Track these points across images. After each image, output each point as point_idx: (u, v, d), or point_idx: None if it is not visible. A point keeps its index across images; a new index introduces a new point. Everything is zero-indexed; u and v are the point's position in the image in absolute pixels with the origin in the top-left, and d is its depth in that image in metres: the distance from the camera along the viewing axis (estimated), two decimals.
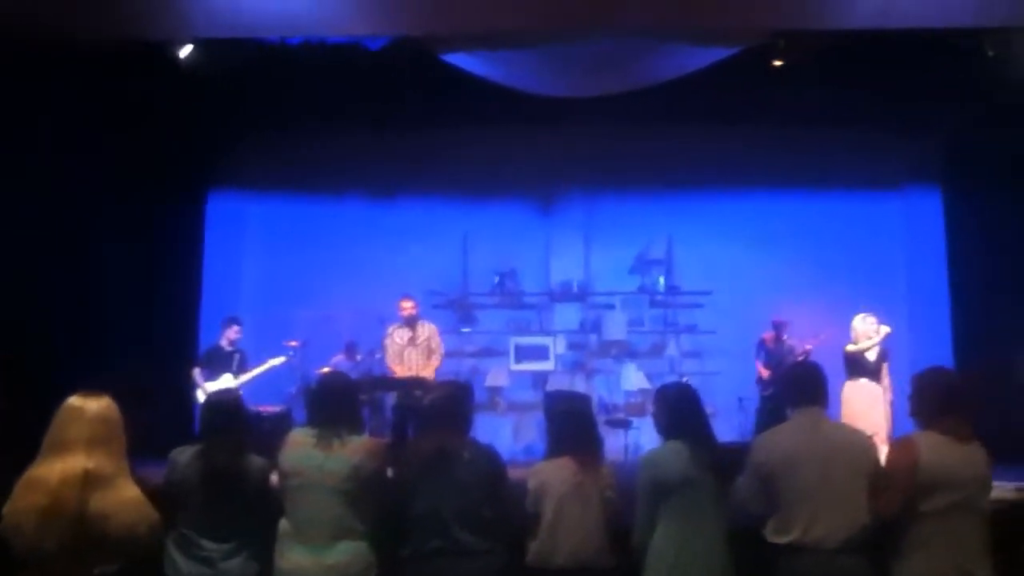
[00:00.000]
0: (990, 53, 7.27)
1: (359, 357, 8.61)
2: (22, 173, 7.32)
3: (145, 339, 8.29)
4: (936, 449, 3.29)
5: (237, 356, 8.05)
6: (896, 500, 3.27)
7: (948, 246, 9.50)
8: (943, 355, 8.77)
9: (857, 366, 7.23)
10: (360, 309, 8.69)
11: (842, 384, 7.16)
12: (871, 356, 7.24)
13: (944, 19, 6.38)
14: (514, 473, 3.82)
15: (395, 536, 3.52)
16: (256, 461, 3.64)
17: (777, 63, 7.69)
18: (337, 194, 10.10)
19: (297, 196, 10.17)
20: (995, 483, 3.50)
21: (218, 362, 8.04)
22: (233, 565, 3.50)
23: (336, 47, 7.65)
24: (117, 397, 3.20)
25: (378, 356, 8.28)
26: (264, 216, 10.21)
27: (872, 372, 7.22)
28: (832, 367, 5.58)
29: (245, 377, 7.98)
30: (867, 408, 6.99)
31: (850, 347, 7.28)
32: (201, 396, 7.83)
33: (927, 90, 8.27)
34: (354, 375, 7.94)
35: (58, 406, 3.09)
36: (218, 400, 3.84)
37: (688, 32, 6.95)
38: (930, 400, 3.43)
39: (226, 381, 7.82)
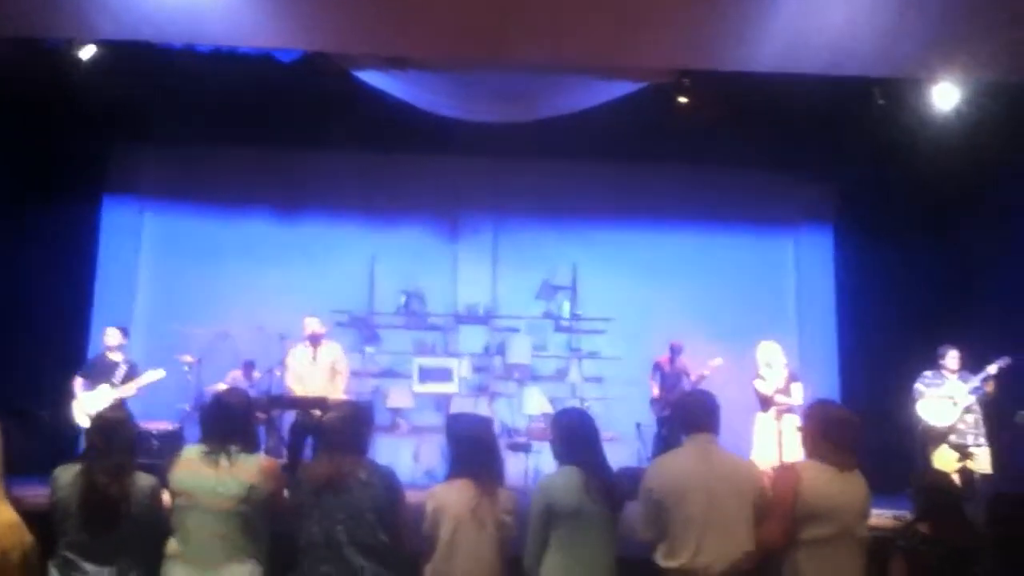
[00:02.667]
0: (881, 101, 7.71)
1: (257, 375, 8.41)
2: None
3: (30, 351, 7.89)
4: (817, 478, 3.42)
5: (123, 367, 7.57)
6: (777, 527, 3.38)
7: (837, 283, 9.98)
8: (830, 387, 9.19)
9: (762, 396, 7.35)
10: (261, 327, 8.47)
11: (752, 415, 7.33)
12: (773, 385, 7.32)
13: (839, 67, 6.73)
14: (414, 496, 3.79)
15: (286, 560, 3.44)
16: (143, 480, 3.51)
17: (682, 100, 7.97)
18: (241, 209, 9.89)
19: (199, 208, 9.92)
20: (875, 511, 3.66)
21: (100, 372, 7.57)
22: None
23: (246, 58, 7.54)
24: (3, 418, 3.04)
25: (278, 374, 8.10)
26: (163, 227, 9.90)
27: (774, 401, 7.31)
28: (731, 393, 5.77)
29: (124, 389, 7.47)
30: (772, 436, 7.13)
31: (757, 382, 7.35)
32: (76, 407, 7.42)
33: (822, 134, 8.72)
34: (252, 393, 7.76)
35: None
36: (105, 418, 3.68)
37: (590, 67, 7.12)
38: (814, 431, 3.57)
39: (104, 392, 7.39)
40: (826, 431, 3.52)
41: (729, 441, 3.74)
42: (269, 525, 3.50)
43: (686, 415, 3.71)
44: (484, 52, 6.65)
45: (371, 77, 7.44)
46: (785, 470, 3.69)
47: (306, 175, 9.83)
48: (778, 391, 7.21)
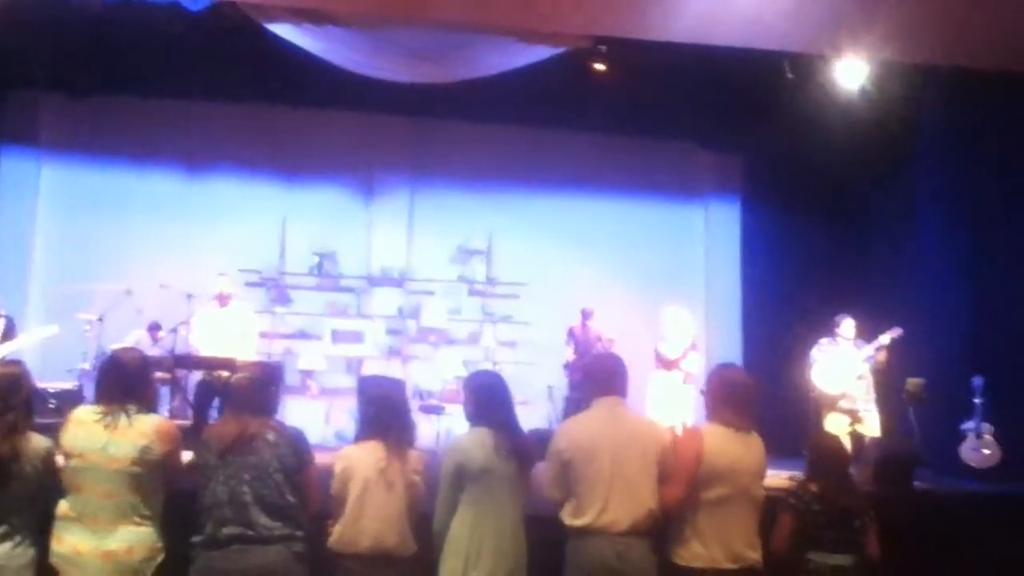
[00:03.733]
0: (790, 75, 7.91)
1: (162, 334, 8.17)
2: None
3: None
4: (718, 440, 3.56)
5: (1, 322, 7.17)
6: (680, 488, 3.50)
7: (743, 253, 10.28)
8: (733, 353, 9.50)
9: (662, 358, 7.58)
10: (166, 285, 8.21)
11: (648, 375, 7.54)
12: (676, 350, 7.57)
13: (751, 41, 6.89)
14: (324, 457, 3.78)
15: (188, 520, 3.39)
16: (37, 442, 3.40)
17: (598, 67, 8.01)
18: (146, 162, 9.53)
19: (101, 161, 9.51)
20: (771, 472, 3.82)
21: None
22: (3, 551, 3.27)
23: (153, 7, 7.22)
24: None
25: (184, 334, 7.88)
26: (62, 180, 9.46)
27: (676, 365, 7.56)
28: (638, 358, 5.92)
29: (5, 348, 7.01)
30: (668, 399, 7.37)
31: (660, 344, 7.60)
32: None
33: (734, 106, 8.91)
34: (157, 353, 7.55)
35: None
36: None
37: (508, 30, 7.09)
38: (715, 394, 3.70)
39: None
40: (726, 394, 3.66)
41: (635, 402, 3.84)
42: (164, 486, 3.44)
43: (594, 378, 3.80)
44: (402, 10, 6.55)
45: (284, 31, 7.23)
46: (689, 433, 3.83)
47: (216, 129, 9.54)
48: (679, 356, 7.43)
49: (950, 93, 7.69)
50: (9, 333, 7.11)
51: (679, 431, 5.81)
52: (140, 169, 9.52)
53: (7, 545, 3.29)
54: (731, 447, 3.56)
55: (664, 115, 9.14)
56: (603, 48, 7.77)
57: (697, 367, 7.63)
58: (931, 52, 7.08)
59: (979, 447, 7.32)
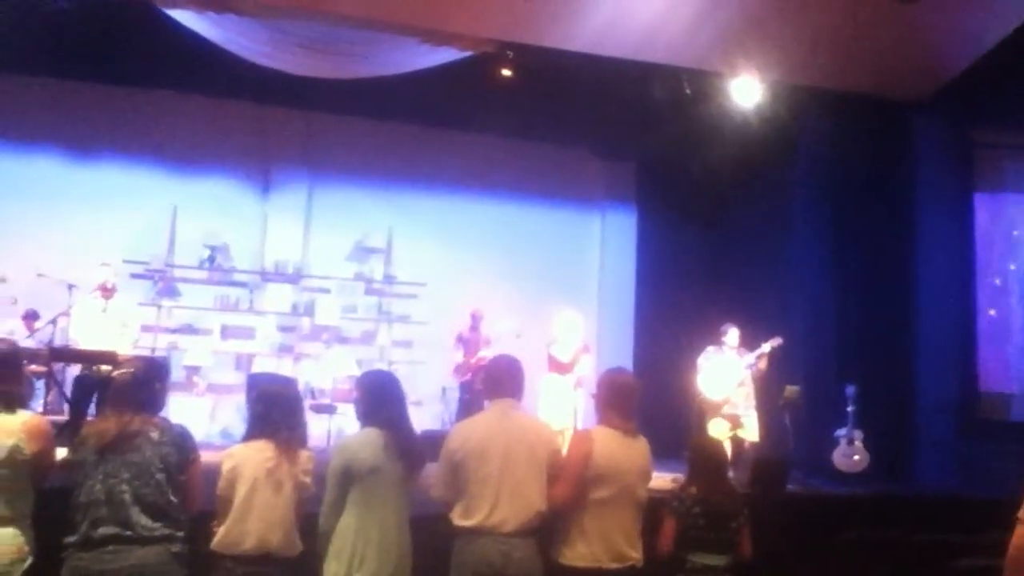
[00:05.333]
0: (688, 91, 8.18)
1: (39, 325, 7.78)
2: None
3: None
4: (607, 442, 3.65)
5: None
6: (569, 489, 3.58)
7: (637, 260, 10.56)
8: (625, 357, 9.74)
9: (555, 362, 7.67)
10: (46, 274, 7.82)
11: (540, 378, 7.63)
12: (568, 353, 7.67)
13: (648, 54, 7.11)
14: (209, 456, 3.68)
15: (62, 521, 3.25)
16: None
17: (505, 73, 8.09)
18: (25, 144, 9.08)
19: None
20: (656, 474, 3.95)
21: None
22: None
23: None
24: None
25: (62, 325, 7.53)
26: None
27: (568, 368, 7.67)
28: (532, 361, 5.99)
29: None
30: (559, 402, 7.48)
31: (552, 347, 7.69)
32: None
33: (632, 117, 9.14)
34: (32, 344, 7.20)
35: None
36: None
37: (413, 30, 7.09)
38: (605, 397, 3.80)
39: None
40: (615, 398, 3.76)
41: (527, 404, 3.90)
42: (33, 485, 3.31)
43: (490, 380, 3.84)
44: (304, 2, 6.46)
45: (183, 16, 7.01)
46: (579, 434, 3.91)
47: (104, 112, 9.17)
48: (571, 360, 7.55)
49: (825, 113, 8.13)
50: None
51: (569, 434, 5.94)
52: (20, 151, 9.06)
53: None
54: (618, 449, 3.65)
55: (562, 122, 9.32)
56: (510, 54, 7.85)
57: (589, 370, 7.77)
58: (811, 74, 7.48)
59: (850, 453, 7.74)
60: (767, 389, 7.49)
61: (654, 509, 3.95)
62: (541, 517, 3.54)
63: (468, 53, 7.52)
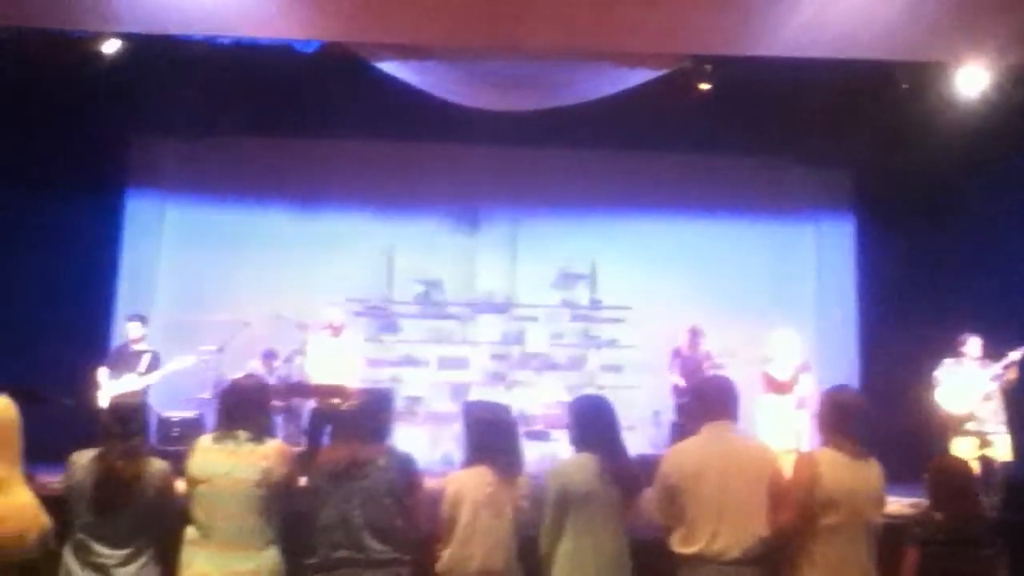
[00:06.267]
0: (904, 85, 7.63)
1: (276, 364, 8.48)
2: None
3: (56, 342, 7.96)
4: (834, 465, 3.42)
5: (147, 356, 7.60)
6: (794, 514, 3.38)
7: (857, 270, 9.91)
8: (849, 375, 9.13)
9: (772, 382, 7.39)
10: (280, 316, 8.54)
11: (755, 399, 7.35)
12: (786, 372, 7.38)
13: (858, 51, 6.67)
14: (431, 482, 3.82)
15: (303, 544, 3.48)
16: (156, 465, 3.56)
17: (703, 87, 7.92)
18: (260, 199, 9.93)
19: (218, 199, 9.97)
20: (892, 499, 3.66)
21: (124, 362, 7.61)
22: (128, 572, 3.42)
23: (266, 49, 7.57)
24: (19, 399, 3.09)
25: (297, 363, 8.16)
26: (183, 218, 9.96)
27: (786, 388, 7.36)
28: (748, 382, 5.77)
29: (151, 377, 7.48)
30: (779, 424, 7.17)
31: (769, 367, 7.42)
32: (102, 396, 7.51)
33: (843, 119, 8.63)
34: (271, 382, 7.83)
35: None
36: (118, 403, 3.74)
37: (607, 54, 7.09)
38: (829, 418, 3.57)
39: (130, 381, 7.39)
40: (840, 418, 3.53)
41: (744, 427, 3.74)
42: (284, 511, 3.54)
43: (704, 402, 3.71)
44: (499, 39, 6.64)
45: (388, 66, 7.45)
46: (803, 458, 3.70)
47: (325, 165, 9.85)
48: (789, 379, 7.23)
49: None
50: (153, 367, 7.57)
51: (792, 457, 5.64)
52: (255, 205, 9.93)
53: (134, 566, 3.43)
54: (847, 473, 3.42)
55: (764, 133, 8.93)
56: (707, 68, 7.68)
57: (810, 390, 7.38)
58: None
59: None
60: (1017, 403, 6.76)
61: (891, 537, 3.64)
62: (764, 544, 3.37)
63: (664, 71, 7.44)
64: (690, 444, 3.64)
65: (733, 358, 8.16)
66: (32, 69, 7.29)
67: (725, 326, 9.04)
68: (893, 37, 6.44)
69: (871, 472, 3.49)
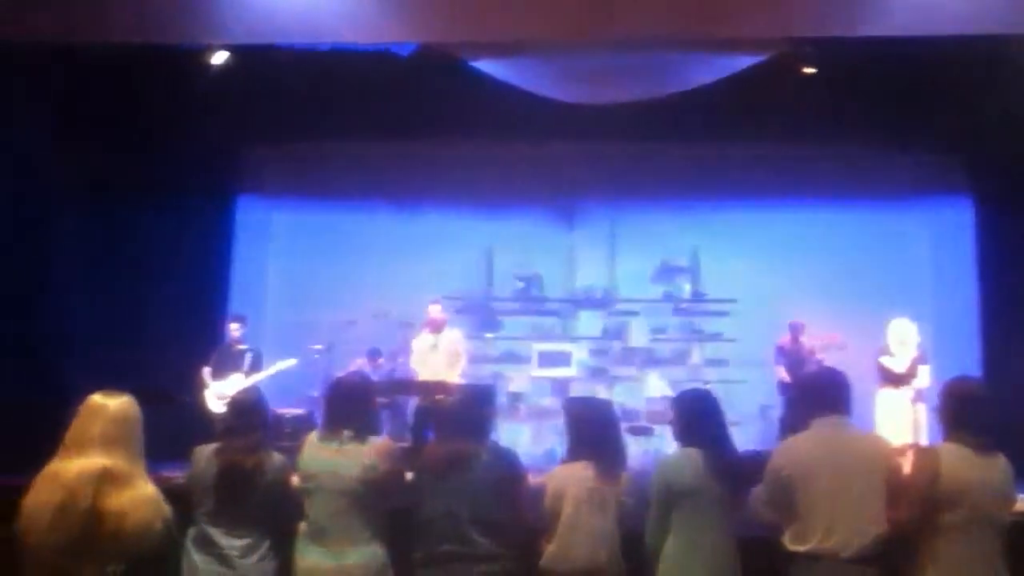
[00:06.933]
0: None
1: (381, 361, 8.67)
2: (61, 176, 7.50)
3: (171, 343, 8.34)
4: (957, 461, 3.25)
5: (249, 355, 7.95)
6: (914, 511, 3.23)
7: (978, 258, 9.40)
8: (971, 366, 8.66)
9: (889, 374, 7.14)
10: (384, 314, 8.73)
11: (874, 392, 7.11)
12: (903, 364, 7.12)
13: (979, 26, 6.29)
14: (532, 478, 3.83)
15: (408, 538, 3.54)
16: (275, 459, 3.67)
17: (807, 71, 7.65)
18: (363, 202, 10.15)
19: (324, 203, 10.24)
20: (1022, 496, 3.45)
21: (228, 361, 7.96)
22: (249, 562, 3.53)
23: (365, 55, 7.73)
24: (140, 397, 3.23)
25: (401, 360, 8.32)
26: (291, 223, 10.29)
27: (904, 380, 7.11)
28: (859, 374, 5.55)
29: (255, 377, 7.79)
30: (897, 417, 6.91)
31: (883, 358, 7.19)
32: (208, 395, 7.85)
33: (958, 99, 8.19)
34: (376, 379, 8.00)
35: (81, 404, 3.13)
36: (240, 398, 3.87)
37: (705, 41, 6.92)
38: (952, 411, 3.39)
39: (236, 381, 7.72)
40: (961, 410, 3.35)
41: (861, 421, 3.60)
42: (389, 505, 3.60)
43: (814, 395, 3.59)
44: (595, 31, 6.57)
45: (485, 65, 7.49)
46: (923, 452, 3.53)
47: (424, 166, 9.98)
48: (907, 371, 6.95)
49: None
50: (256, 365, 7.88)
51: (911, 450, 5.40)
52: (357, 207, 10.17)
53: (253, 557, 3.54)
54: (970, 468, 3.24)
55: (872, 118, 8.51)
56: (809, 50, 7.41)
57: (928, 382, 7.07)
58: None
59: None
60: None
61: (1020, 536, 3.43)
62: (882, 541, 3.23)
63: (763, 56, 7.22)
64: (802, 438, 3.52)
65: (841, 351, 7.90)
66: (144, 83, 7.65)
67: (835, 318, 8.75)
68: (1009, 11, 6.06)
69: (996, 467, 3.30)
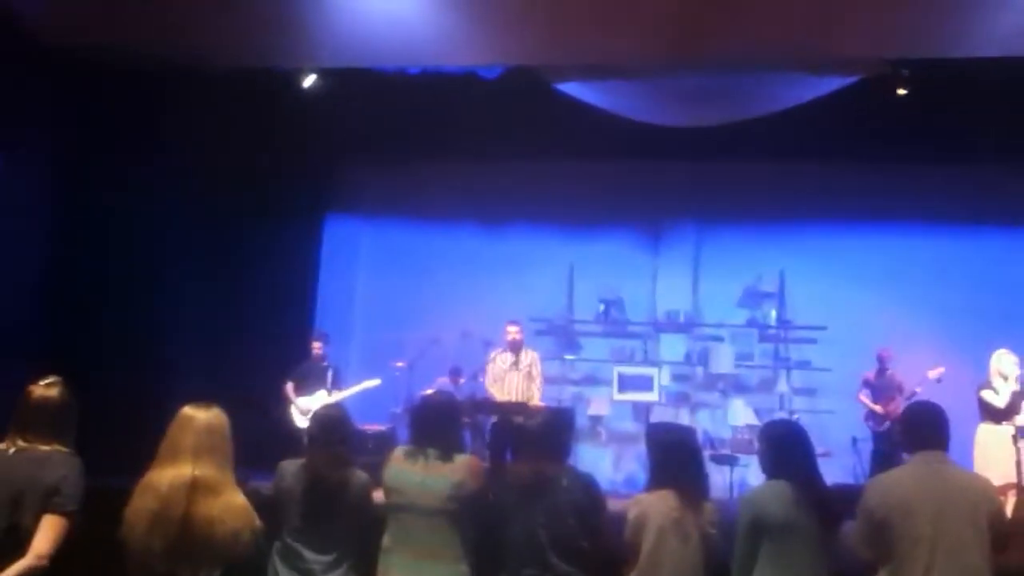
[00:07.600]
0: None
1: (462, 380, 8.71)
2: (157, 195, 7.83)
3: (261, 359, 8.55)
4: None
5: (331, 372, 8.13)
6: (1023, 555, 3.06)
7: None
8: None
9: (989, 408, 6.83)
10: (466, 333, 8.79)
11: (975, 427, 6.81)
12: (1004, 399, 6.80)
13: None
14: (614, 503, 3.77)
15: (491, 559, 3.52)
16: (359, 475, 3.70)
17: (900, 92, 7.43)
18: (449, 222, 10.27)
19: (410, 223, 10.39)
20: None
21: (312, 377, 8.17)
22: None
23: (452, 77, 7.86)
24: (229, 409, 3.32)
25: (480, 380, 8.36)
26: (378, 241, 10.47)
27: (1006, 416, 6.78)
28: (959, 408, 5.31)
29: (340, 394, 7.94)
30: (998, 455, 6.58)
31: (984, 391, 6.88)
32: (293, 410, 8.03)
33: None
34: (457, 397, 8.04)
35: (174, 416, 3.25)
36: (325, 414, 3.92)
37: (799, 62, 6.79)
38: None
39: (321, 397, 7.88)
40: None
41: (958, 458, 3.43)
42: (474, 524, 3.58)
43: (910, 429, 3.46)
44: (683, 50, 6.53)
45: (571, 88, 7.52)
46: None
47: (509, 187, 10.03)
48: (1008, 406, 6.62)
49: None
50: (337, 381, 8.05)
51: (1013, 490, 5.14)
52: (444, 227, 10.28)
53: (337, 573, 3.57)
54: None
55: (971, 137, 8.19)
56: (904, 71, 7.20)
57: None
58: None
59: None
60: None
61: None
62: None
63: (857, 78, 7.04)
64: (898, 474, 3.39)
65: (938, 384, 7.58)
66: (244, 104, 7.94)
67: (931, 346, 8.41)
68: None
69: None
